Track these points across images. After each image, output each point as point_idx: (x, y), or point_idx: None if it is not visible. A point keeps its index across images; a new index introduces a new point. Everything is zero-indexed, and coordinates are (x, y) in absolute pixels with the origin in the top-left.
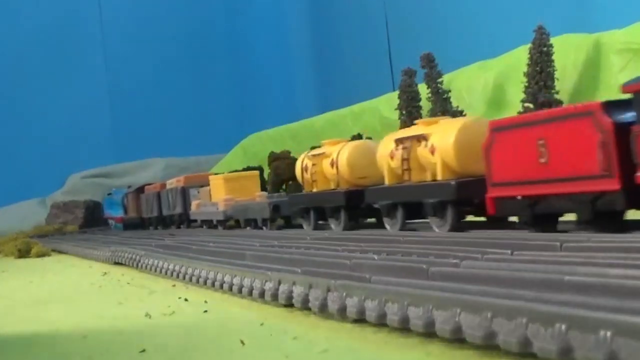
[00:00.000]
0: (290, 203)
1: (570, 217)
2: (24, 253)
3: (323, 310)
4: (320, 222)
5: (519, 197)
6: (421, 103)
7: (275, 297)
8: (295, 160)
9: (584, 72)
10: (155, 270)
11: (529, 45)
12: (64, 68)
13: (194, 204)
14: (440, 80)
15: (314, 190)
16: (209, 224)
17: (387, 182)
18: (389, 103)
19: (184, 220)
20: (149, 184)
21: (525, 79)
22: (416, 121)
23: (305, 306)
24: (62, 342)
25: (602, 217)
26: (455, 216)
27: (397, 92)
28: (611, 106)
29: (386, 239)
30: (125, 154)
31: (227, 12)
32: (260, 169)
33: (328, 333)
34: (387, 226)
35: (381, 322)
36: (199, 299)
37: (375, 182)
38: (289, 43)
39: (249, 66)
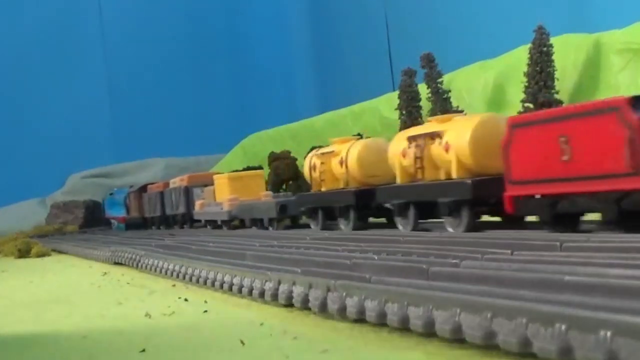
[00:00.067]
0: (298, 203)
1: (593, 217)
2: (24, 253)
3: (323, 310)
4: (328, 222)
5: (539, 196)
6: (421, 103)
7: (275, 297)
8: (295, 160)
9: (584, 72)
10: (155, 270)
11: (529, 45)
12: (64, 68)
13: (197, 204)
14: (440, 80)
15: (322, 189)
16: (213, 224)
17: (399, 180)
18: (389, 103)
19: (187, 220)
20: (152, 183)
21: (525, 79)
22: (429, 118)
23: (305, 306)
24: (62, 342)
25: (628, 217)
26: (471, 216)
27: (397, 92)
28: (638, 101)
29: (386, 239)
30: (125, 154)
31: (227, 12)
32: (260, 169)
33: (328, 333)
34: (400, 226)
35: (381, 322)
36: (199, 299)
37: (386, 181)
38: (289, 43)
39: (249, 66)
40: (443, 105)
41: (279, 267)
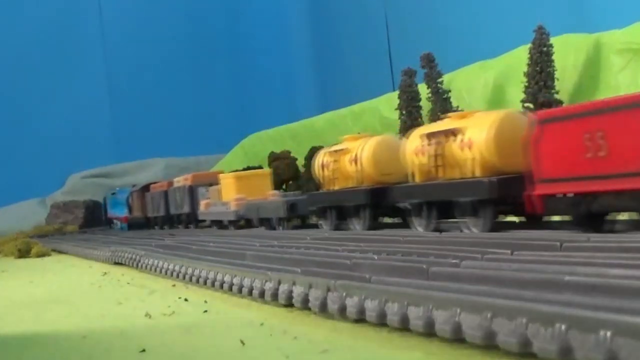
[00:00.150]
0: (308, 202)
1: (621, 216)
2: (24, 253)
3: (323, 310)
4: (338, 221)
5: (571, 195)
6: (421, 103)
7: (275, 297)
8: (295, 160)
9: (584, 72)
10: (155, 270)
11: (529, 45)
12: (64, 68)
13: (202, 204)
14: (440, 80)
15: (334, 188)
16: (219, 224)
17: (416, 179)
18: (389, 103)
19: (192, 220)
20: (154, 183)
21: (525, 79)
22: (448, 114)
23: (305, 306)
24: (62, 342)
25: None
26: (493, 216)
27: (397, 92)
28: None
29: (386, 239)
30: (125, 154)
31: (227, 12)
32: (260, 169)
33: (328, 333)
34: (418, 227)
35: (381, 322)
36: (199, 299)
37: (399, 179)
38: (289, 43)
39: (249, 66)
40: (443, 105)
41: (279, 267)
